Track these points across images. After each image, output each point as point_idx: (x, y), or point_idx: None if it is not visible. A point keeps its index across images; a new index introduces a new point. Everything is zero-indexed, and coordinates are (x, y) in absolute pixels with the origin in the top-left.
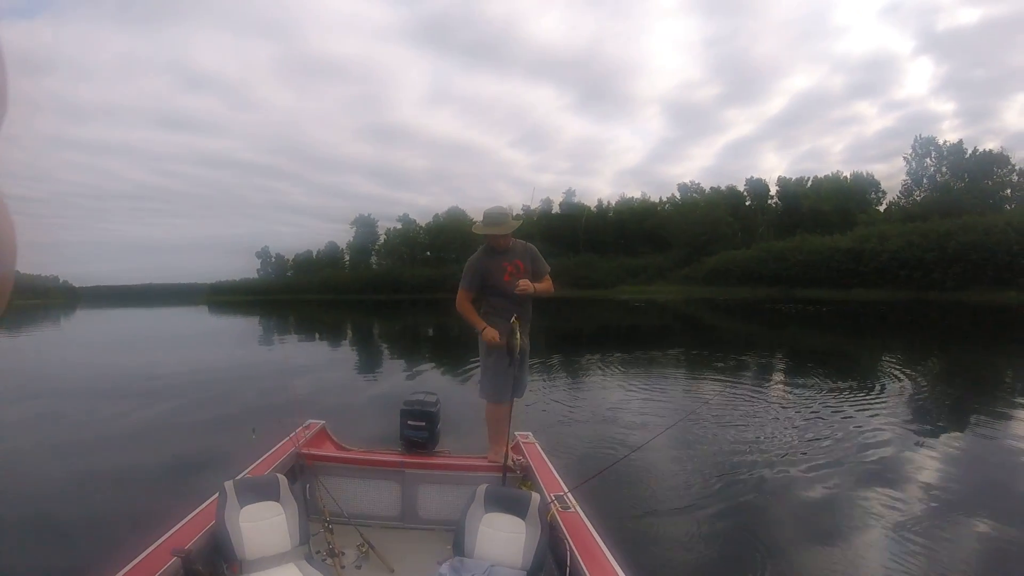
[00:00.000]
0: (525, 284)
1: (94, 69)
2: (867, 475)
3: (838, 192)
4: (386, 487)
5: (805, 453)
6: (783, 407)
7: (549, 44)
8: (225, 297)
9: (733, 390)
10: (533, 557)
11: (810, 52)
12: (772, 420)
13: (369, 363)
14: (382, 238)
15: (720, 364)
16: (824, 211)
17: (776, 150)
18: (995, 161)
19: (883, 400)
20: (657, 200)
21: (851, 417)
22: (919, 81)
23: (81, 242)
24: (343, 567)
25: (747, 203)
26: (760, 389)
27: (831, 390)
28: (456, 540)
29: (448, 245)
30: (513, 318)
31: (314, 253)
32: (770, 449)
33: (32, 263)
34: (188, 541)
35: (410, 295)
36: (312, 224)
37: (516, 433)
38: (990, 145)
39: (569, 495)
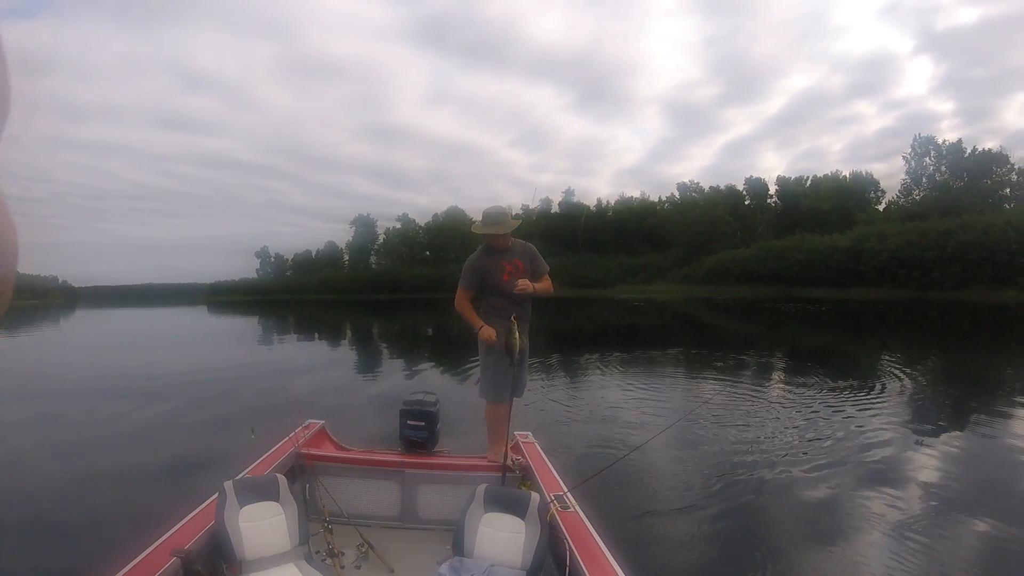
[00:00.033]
0: (524, 284)
1: (94, 69)
2: (867, 475)
3: (837, 191)
4: (386, 487)
5: (805, 453)
6: (783, 407)
7: (548, 44)
8: (224, 297)
9: (733, 390)
10: (533, 557)
11: (809, 52)
12: (772, 420)
13: (368, 363)
14: (381, 238)
15: (719, 363)
16: (823, 210)
17: (775, 149)
18: (994, 160)
19: (883, 399)
20: (656, 200)
21: (851, 416)
22: (918, 80)
23: (80, 242)
24: (343, 567)
25: (746, 202)
26: (760, 388)
27: (831, 389)
28: (456, 540)
29: (447, 245)
30: (512, 318)
31: (313, 253)
32: (770, 449)
33: (31, 263)
34: (188, 541)
35: (409, 295)
36: (311, 224)
37: (515, 433)
38: (989, 144)
39: (569, 495)
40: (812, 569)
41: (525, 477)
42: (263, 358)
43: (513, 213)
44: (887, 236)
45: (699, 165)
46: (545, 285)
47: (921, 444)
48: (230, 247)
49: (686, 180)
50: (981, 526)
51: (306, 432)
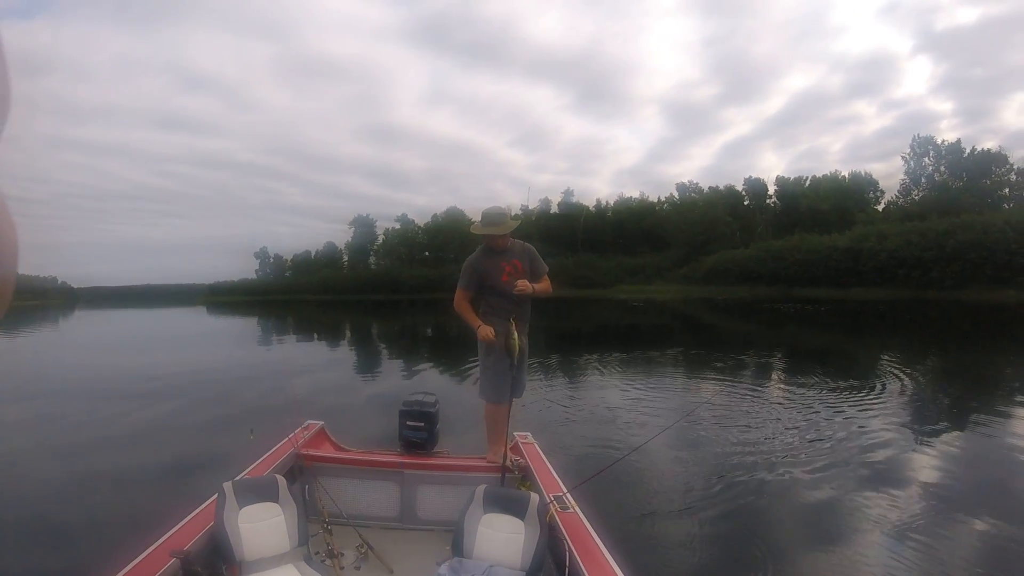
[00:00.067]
0: (523, 284)
1: (93, 70)
2: (868, 475)
3: (836, 191)
4: (385, 488)
5: (805, 453)
6: (782, 407)
7: (547, 44)
8: (223, 298)
9: (732, 390)
10: (532, 558)
11: (808, 52)
12: (772, 420)
13: (368, 363)
14: (380, 238)
15: (719, 364)
16: (822, 210)
17: (774, 149)
18: (993, 160)
19: (882, 400)
20: (655, 200)
21: (851, 417)
22: (917, 80)
23: (79, 243)
24: (342, 568)
25: (745, 203)
26: (759, 389)
27: (830, 389)
28: (455, 541)
29: (446, 245)
30: (511, 319)
31: (312, 253)
32: (770, 449)
33: (31, 264)
34: (187, 542)
35: (408, 295)
36: (310, 224)
37: (515, 433)
38: (988, 144)
39: (568, 495)
40: (813, 570)
41: (524, 478)
42: (262, 359)
43: (512, 214)
44: (886, 236)
45: (698, 165)
46: (544, 286)
47: (921, 444)
48: (229, 248)
49: (685, 180)
50: (981, 526)
51: (305, 433)
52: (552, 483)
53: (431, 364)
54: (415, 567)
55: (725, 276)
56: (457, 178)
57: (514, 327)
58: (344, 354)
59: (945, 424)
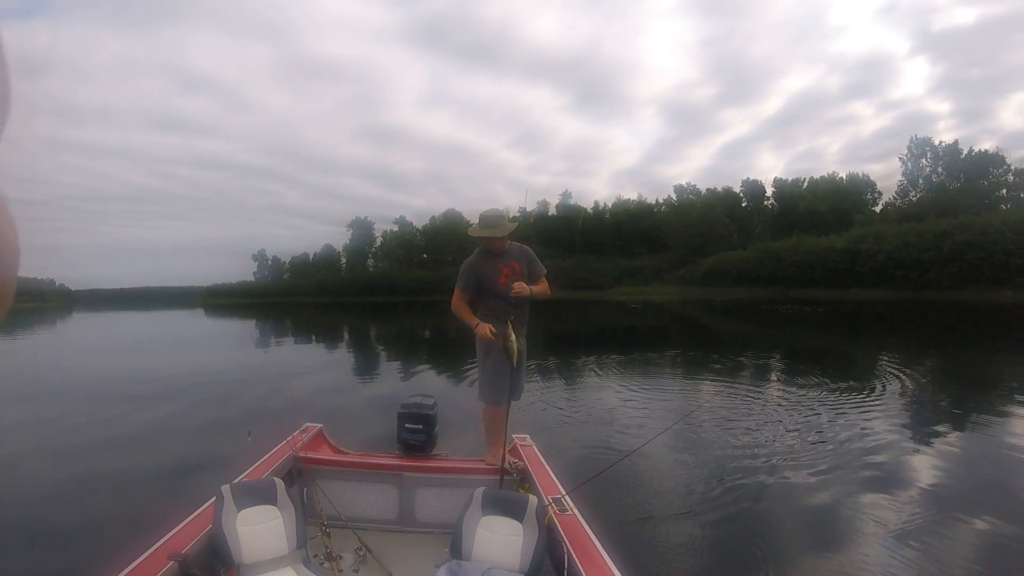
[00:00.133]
0: (520, 287)
1: (91, 71)
2: (868, 476)
3: (834, 193)
4: (383, 490)
5: (804, 454)
6: (781, 408)
7: (546, 45)
8: (222, 300)
9: (731, 391)
10: (531, 560)
11: (806, 52)
12: (771, 422)
13: (366, 366)
14: (379, 240)
15: (717, 365)
16: (820, 211)
17: (773, 150)
18: (991, 161)
19: (882, 400)
20: (653, 201)
21: (850, 418)
22: (915, 81)
23: (78, 245)
24: (341, 571)
25: (743, 204)
26: (758, 390)
27: (830, 391)
28: (454, 543)
29: (444, 247)
30: (508, 321)
31: (311, 256)
32: (769, 451)
33: (29, 266)
34: (185, 545)
35: (407, 297)
36: (309, 226)
37: (513, 436)
38: (986, 145)
39: (567, 498)
40: (813, 571)
41: (523, 480)
42: (260, 361)
43: (510, 216)
44: (884, 237)
45: (696, 166)
46: (542, 288)
47: (920, 445)
48: (227, 250)
49: (683, 182)
50: (981, 526)
51: (304, 435)
52: (550, 485)
53: (429, 366)
54: (414, 569)
55: (723, 278)
56: (455, 180)
57: (512, 329)
58: (342, 356)
59: (944, 425)
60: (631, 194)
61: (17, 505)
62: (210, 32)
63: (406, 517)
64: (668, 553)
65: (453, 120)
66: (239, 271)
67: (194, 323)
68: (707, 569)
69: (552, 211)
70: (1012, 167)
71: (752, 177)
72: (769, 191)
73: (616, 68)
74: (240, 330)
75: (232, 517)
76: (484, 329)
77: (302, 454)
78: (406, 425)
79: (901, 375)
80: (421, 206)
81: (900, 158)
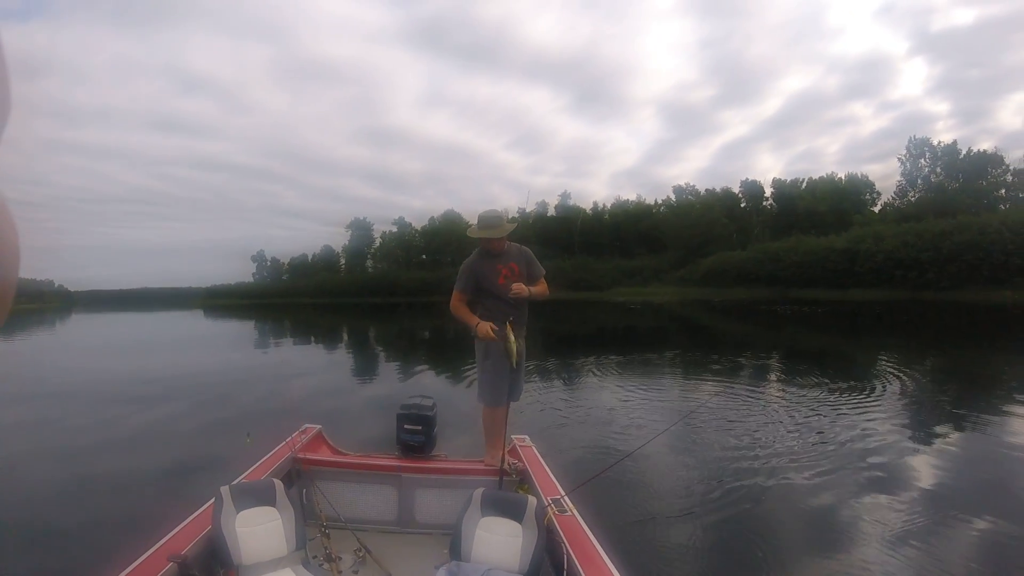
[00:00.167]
0: (519, 287)
1: (90, 72)
2: (868, 477)
3: (833, 193)
4: (383, 491)
5: (804, 455)
6: (781, 409)
7: (545, 46)
8: (221, 301)
9: (730, 392)
10: (530, 561)
11: (805, 53)
12: (771, 422)
13: (365, 367)
14: (377, 241)
15: (717, 366)
16: (819, 212)
17: (771, 151)
18: (989, 161)
19: (881, 401)
20: (652, 202)
21: (850, 418)
22: (914, 82)
23: (77, 246)
24: (340, 572)
25: (742, 204)
26: (758, 391)
27: (829, 391)
28: (453, 544)
29: (443, 248)
30: (507, 322)
31: (309, 257)
32: (769, 451)
33: (29, 267)
34: (184, 546)
35: (406, 298)
36: (308, 227)
37: (512, 436)
38: (984, 145)
39: (566, 498)
40: (813, 572)
41: (522, 481)
42: (259, 362)
43: (509, 216)
44: (883, 237)
45: (695, 167)
46: (541, 289)
47: (920, 445)
48: (226, 251)
49: (682, 183)
50: (981, 526)
51: (303, 436)
52: (550, 486)
53: (428, 367)
54: (413, 571)
55: (722, 278)
56: (454, 181)
57: (511, 330)
58: (341, 357)
59: (944, 425)
60: (630, 195)
61: (17, 506)
62: (209, 33)
63: (405, 518)
64: (668, 554)
65: (452, 121)
66: (238, 272)
67: (193, 324)
68: (707, 570)
69: (551, 212)
70: (1011, 167)
71: (751, 178)
72: (768, 191)
73: (615, 69)
74: (239, 331)
75: (231, 518)
76: (485, 327)
77: (301, 455)
78: (405, 426)
79: (900, 375)
80: (420, 207)
81: (899, 158)
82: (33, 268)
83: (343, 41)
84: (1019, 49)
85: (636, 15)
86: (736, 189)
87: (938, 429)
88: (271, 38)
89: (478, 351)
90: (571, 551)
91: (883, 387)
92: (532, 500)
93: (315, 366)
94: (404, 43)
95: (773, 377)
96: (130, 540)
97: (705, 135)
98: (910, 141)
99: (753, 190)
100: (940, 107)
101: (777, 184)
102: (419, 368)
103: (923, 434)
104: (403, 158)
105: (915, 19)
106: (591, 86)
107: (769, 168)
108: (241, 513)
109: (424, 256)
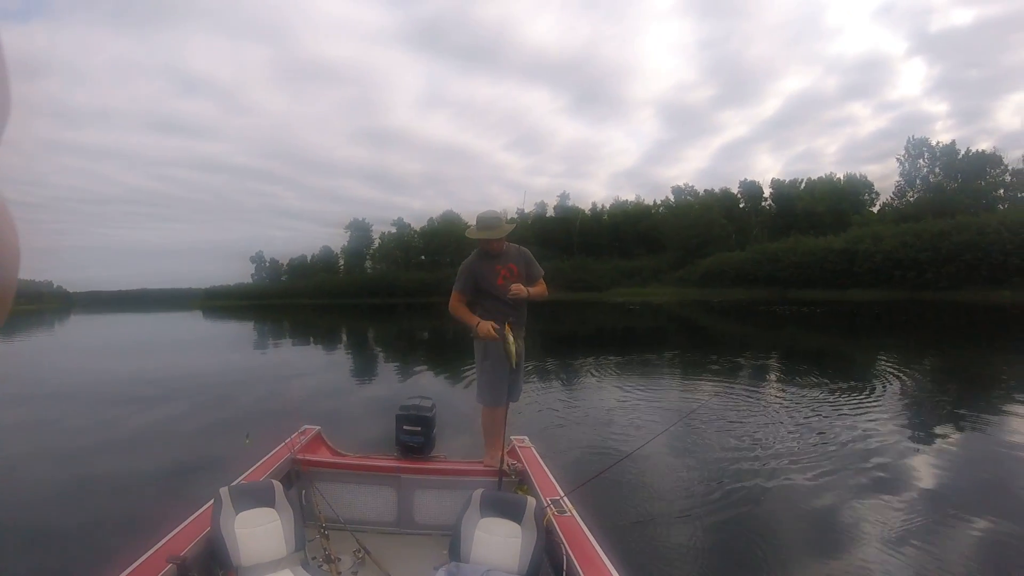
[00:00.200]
0: (518, 288)
1: (89, 73)
2: (868, 477)
3: (832, 193)
4: (382, 492)
5: (804, 456)
6: (780, 409)
7: (544, 47)
8: (220, 302)
9: (730, 392)
10: (529, 562)
11: (804, 54)
12: (770, 423)
13: (364, 367)
14: (377, 242)
15: (716, 366)
16: (818, 212)
17: (770, 151)
18: (988, 161)
19: (881, 401)
20: (651, 203)
21: (849, 419)
22: (912, 82)
23: (76, 247)
24: (339, 573)
25: (741, 205)
26: (757, 391)
27: (829, 391)
28: (452, 545)
29: (442, 249)
30: (507, 323)
31: (309, 257)
32: (769, 453)
33: (28, 268)
34: (184, 548)
35: (405, 299)
36: (307, 228)
37: (512, 437)
38: (983, 145)
39: (565, 499)
40: (813, 572)
41: (522, 482)
42: (258, 363)
43: (508, 217)
44: (882, 238)
45: (694, 167)
46: (540, 289)
47: (920, 445)
48: (225, 252)
49: (681, 183)
50: (981, 526)
51: (302, 437)
52: (549, 487)
53: (428, 368)
54: (412, 572)
55: (721, 278)
56: (453, 181)
57: (510, 331)
58: (340, 358)
59: (943, 425)
60: (629, 195)
61: (17, 506)
62: (208, 34)
63: (405, 519)
64: (667, 555)
65: (451, 122)
66: (237, 273)
67: (192, 325)
68: (707, 571)
69: (550, 212)
70: (1009, 167)
71: (750, 178)
72: (767, 192)
73: (614, 70)
74: (238, 332)
75: (230, 519)
76: (487, 326)
77: (300, 456)
78: (404, 427)
79: (900, 375)
80: (419, 208)
81: (898, 159)
82: (32, 269)
83: (342, 42)
84: (1018, 49)
85: (635, 16)
86: (735, 190)
87: (937, 429)
88: (270, 39)
89: (477, 352)
90: (570, 552)
91: (882, 387)
92: (531, 501)
93: (314, 367)
94: (403, 44)
95: (772, 378)
96: (129, 541)
97: (704, 136)
98: (909, 141)
99: (752, 190)
100: (939, 107)
101: (776, 184)
102: (418, 369)
103: (923, 434)
104: (402, 159)
105: (914, 19)
106: (590, 87)
107: (768, 168)
108: (240, 514)
109: (423, 257)
